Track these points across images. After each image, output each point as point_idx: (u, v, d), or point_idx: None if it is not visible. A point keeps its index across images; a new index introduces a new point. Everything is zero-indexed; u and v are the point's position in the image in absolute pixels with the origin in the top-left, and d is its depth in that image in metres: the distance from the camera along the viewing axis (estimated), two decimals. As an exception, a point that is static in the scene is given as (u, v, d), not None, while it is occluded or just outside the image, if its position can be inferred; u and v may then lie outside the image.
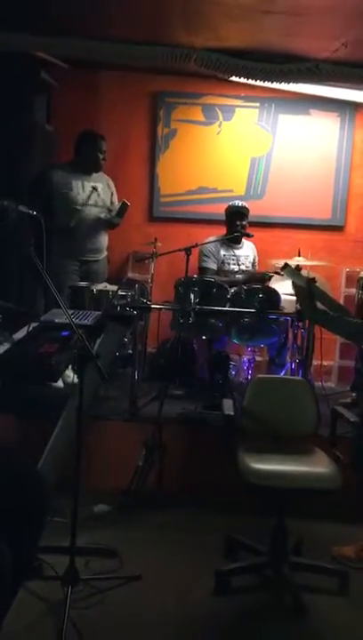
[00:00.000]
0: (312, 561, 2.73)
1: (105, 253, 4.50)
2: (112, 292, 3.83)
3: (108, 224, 4.37)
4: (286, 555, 2.61)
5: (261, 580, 2.65)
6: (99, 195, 4.29)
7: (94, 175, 4.32)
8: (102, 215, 4.29)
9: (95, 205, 4.27)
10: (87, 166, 4.26)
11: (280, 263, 4.38)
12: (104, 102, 4.93)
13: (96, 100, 4.92)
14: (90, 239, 4.32)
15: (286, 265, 2.81)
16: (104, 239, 4.43)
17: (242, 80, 4.17)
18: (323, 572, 2.69)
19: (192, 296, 3.69)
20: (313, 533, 2.96)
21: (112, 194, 4.43)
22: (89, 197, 4.23)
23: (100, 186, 4.32)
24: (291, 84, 4.26)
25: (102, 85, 4.93)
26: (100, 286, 4.01)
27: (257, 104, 5.00)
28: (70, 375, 3.56)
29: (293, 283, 2.73)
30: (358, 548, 2.86)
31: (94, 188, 4.27)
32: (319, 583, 2.62)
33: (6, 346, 2.45)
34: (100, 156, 4.25)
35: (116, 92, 4.94)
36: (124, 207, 4.27)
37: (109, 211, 4.33)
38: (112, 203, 4.40)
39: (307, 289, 2.52)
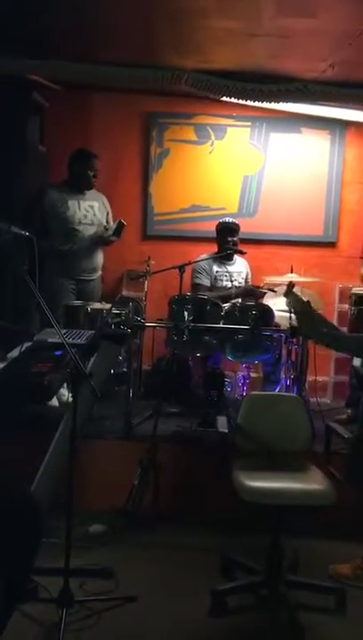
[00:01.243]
0: (309, 579, 2.72)
1: (100, 272, 4.53)
2: (106, 310, 3.84)
3: (103, 242, 4.40)
4: (282, 573, 2.60)
5: (257, 598, 2.63)
6: (95, 214, 4.33)
7: (90, 194, 4.36)
8: (99, 232, 4.33)
9: (91, 224, 4.31)
10: (80, 185, 4.31)
11: (273, 280, 4.44)
12: (97, 123, 4.98)
13: (89, 120, 4.97)
14: (86, 258, 4.35)
15: (290, 287, 2.85)
16: (100, 258, 4.46)
17: (233, 100, 4.24)
18: (319, 590, 2.68)
19: (186, 313, 3.70)
20: (309, 551, 2.94)
21: (108, 213, 4.47)
22: (85, 217, 4.28)
23: (95, 205, 4.36)
24: (281, 103, 4.33)
25: (95, 106, 4.98)
26: (95, 305, 4.03)
27: (249, 123, 5.06)
28: (65, 394, 3.56)
29: (294, 309, 2.77)
30: (354, 566, 2.84)
31: (91, 207, 4.32)
32: (316, 601, 2.61)
33: (1, 365, 2.45)
34: (91, 174, 4.30)
35: (109, 113, 4.99)
36: (120, 226, 4.31)
37: (106, 229, 4.36)
38: (107, 222, 4.43)
39: (307, 311, 2.56)
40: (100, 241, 4.38)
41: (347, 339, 2.56)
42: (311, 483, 2.56)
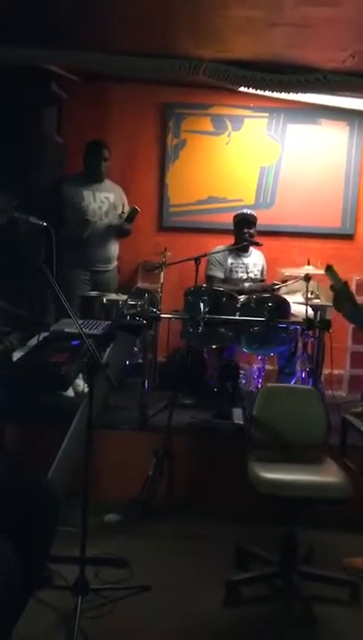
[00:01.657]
0: (323, 571, 2.72)
1: (115, 263, 4.53)
2: (122, 301, 3.85)
3: (119, 232, 4.41)
4: (296, 564, 2.60)
5: (271, 589, 2.64)
6: (110, 205, 4.34)
7: (105, 185, 4.37)
8: (113, 222, 4.33)
9: (106, 215, 4.32)
10: (93, 175, 4.32)
11: (290, 272, 4.40)
12: (114, 113, 4.97)
13: (106, 111, 4.96)
14: (101, 249, 4.36)
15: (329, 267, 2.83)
16: (115, 249, 4.47)
17: (251, 90, 4.20)
18: (333, 582, 2.67)
19: (202, 305, 3.70)
20: (324, 543, 2.94)
21: (123, 204, 4.47)
22: (100, 208, 4.29)
23: (111, 196, 4.37)
24: (299, 94, 4.29)
25: (112, 97, 4.98)
26: (111, 296, 4.04)
27: (266, 114, 5.02)
28: (81, 384, 3.59)
29: (331, 286, 2.76)
30: (368, 558, 2.84)
31: (106, 198, 4.32)
32: (330, 593, 2.61)
33: (20, 354, 2.47)
34: (103, 164, 4.31)
35: (126, 104, 4.98)
36: (133, 213, 4.32)
37: (120, 217, 4.37)
38: (123, 212, 4.44)
39: (345, 291, 2.55)
40: (115, 231, 4.38)
41: None
42: (327, 475, 2.55)
